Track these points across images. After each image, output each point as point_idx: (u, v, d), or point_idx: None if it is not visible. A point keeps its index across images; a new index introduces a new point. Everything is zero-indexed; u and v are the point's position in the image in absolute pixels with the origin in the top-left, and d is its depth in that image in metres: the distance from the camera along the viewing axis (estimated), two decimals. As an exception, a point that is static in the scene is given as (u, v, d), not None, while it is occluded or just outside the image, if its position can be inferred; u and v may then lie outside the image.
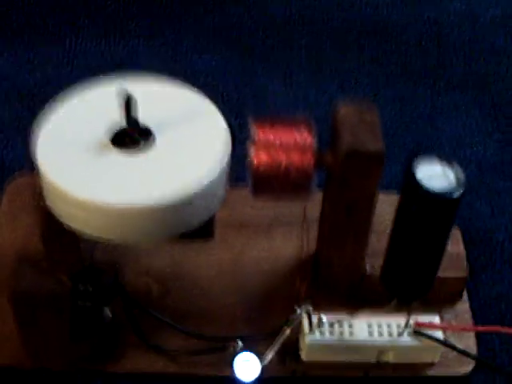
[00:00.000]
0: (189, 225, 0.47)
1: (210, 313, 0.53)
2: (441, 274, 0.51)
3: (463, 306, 0.54)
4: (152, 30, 0.75)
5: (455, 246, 0.55)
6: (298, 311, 0.48)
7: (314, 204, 0.52)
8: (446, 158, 0.45)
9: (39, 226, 0.50)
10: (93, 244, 0.53)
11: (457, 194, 0.43)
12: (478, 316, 0.54)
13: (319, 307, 0.50)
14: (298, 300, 0.52)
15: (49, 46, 0.72)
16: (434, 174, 0.43)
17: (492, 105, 0.70)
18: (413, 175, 0.44)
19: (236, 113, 0.51)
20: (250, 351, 0.48)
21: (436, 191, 0.43)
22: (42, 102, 0.68)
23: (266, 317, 0.52)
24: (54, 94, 0.70)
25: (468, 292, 0.55)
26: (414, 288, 0.48)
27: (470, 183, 0.44)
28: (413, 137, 0.67)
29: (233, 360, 0.47)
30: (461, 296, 0.54)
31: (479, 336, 0.53)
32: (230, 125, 0.48)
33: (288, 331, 0.48)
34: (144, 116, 0.47)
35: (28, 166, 0.63)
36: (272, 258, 0.56)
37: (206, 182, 0.45)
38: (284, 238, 0.57)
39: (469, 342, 0.52)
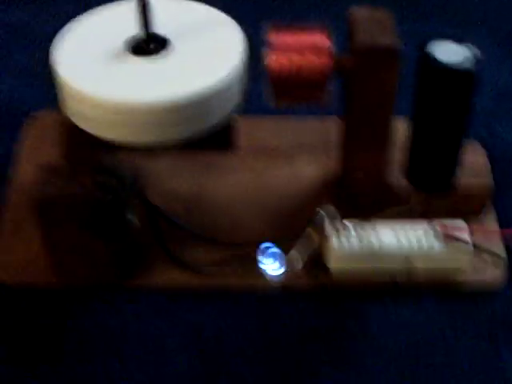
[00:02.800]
0: (203, 124, 0.47)
1: (233, 231, 0.52)
2: (465, 180, 0.51)
3: (490, 218, 0.53)
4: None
5: (479, 156, 0.54)
6: (321, 212, 0.47)
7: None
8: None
9: (61, 141, 0.50)
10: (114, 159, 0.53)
11: (473, 66, 0.43)
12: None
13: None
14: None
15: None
16: (450, 51, 0.43)
17: None
18: (428, 54, 0.43)
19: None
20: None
21: (452, 64, 0.43)
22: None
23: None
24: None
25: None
26: (438, 177, 0.47)
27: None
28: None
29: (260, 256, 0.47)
30: (484, 207, 0.53)
31: (508, 248, 0.52)
32: (248, 37, 0.49)
33: (311, 232, 0.47)
34: (161, 27, 0.48)
35: (46, 106, 0.63)
36: (294, 180, 0.55)
37: (221, 81, 0.46)
38: (305, 162, 0.56)
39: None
